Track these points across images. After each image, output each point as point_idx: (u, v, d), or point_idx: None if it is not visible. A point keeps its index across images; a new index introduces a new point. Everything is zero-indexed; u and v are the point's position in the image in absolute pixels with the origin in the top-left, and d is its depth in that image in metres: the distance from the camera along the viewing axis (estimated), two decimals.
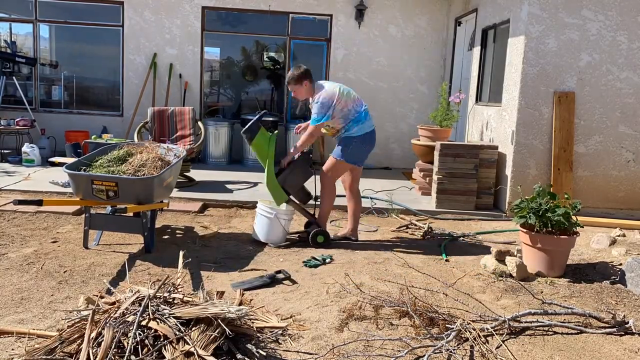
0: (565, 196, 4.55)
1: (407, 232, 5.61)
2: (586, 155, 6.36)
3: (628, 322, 3.35)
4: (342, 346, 2.94)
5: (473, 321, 3.24)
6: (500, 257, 4.37)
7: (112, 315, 2.65)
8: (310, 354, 2.89)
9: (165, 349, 2.48)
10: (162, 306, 2.70)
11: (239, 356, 2.61)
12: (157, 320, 2.59)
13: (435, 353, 2.88)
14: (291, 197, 4.94)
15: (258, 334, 2.93)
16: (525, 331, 3.30)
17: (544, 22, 6.14)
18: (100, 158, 4.62)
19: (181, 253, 3.78)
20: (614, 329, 3.32)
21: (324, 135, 5.34)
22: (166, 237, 5.04)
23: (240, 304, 3.37)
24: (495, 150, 6.50)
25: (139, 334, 2.51)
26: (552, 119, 6.27)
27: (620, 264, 4.58)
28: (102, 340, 2.46)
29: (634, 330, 3.33)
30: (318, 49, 9.47)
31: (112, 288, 3.37)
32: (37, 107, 9.21)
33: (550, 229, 4.32)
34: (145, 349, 2.47)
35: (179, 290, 3.00)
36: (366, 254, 4.75)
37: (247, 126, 4.80)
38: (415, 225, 5.76)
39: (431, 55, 9.28)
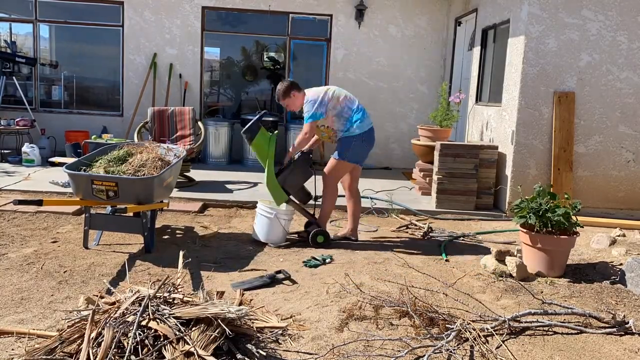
0: (565, 196, 4.55)
1: (407, 232, 5.61)
2: (586, 155, 6.36)
3: (628, 322, 3.35)
4: (342, 346, 2.94)
5: (473, 321, 3.25)
6: (500, 257, 4.37)
7: (112, 315, 2.65)
8: (310, 354, 2.89)
9: (165, 349, 2.48)
10: (162, 306, 2.70)
11: (239, 356, 2.61)
12: (157, 320, 2.59)
13: (435, 353, 2.88)
14: (291, 197, 4.94)
15: (258, 334, 2.93)
16: (525, 331, 3.30)
17: (544, 22, 6.14)
18: (100, 158, 4.63)
19: (181, 253, 3.79)
20: (614, 329, 3.32)
21: (323, 141, 5.34)
22: (166, 237, 5.04)
23: (240, 304, 3.37)
24: (495, 150, 6.50)
25: (139, 334, 2.51)
26: (552, 119, 6.27)
27: (620, 264, 4.58)
28: (102, 340, 2.46)
29: (634, 330, 3.33)
30: (318, 49, 9.47)
31: (112, 288, 3.37)
32: (37, 107, 9.21)
33: (550, 229, 4.32)
34: (145, 349, 2.47)
35: (179, 290, 3.00)
36: (366, 254, 4.75)
37: (247, 126, 4.81)
38: (415, 225, 5.76)
39: (431, 55, 9.28)
